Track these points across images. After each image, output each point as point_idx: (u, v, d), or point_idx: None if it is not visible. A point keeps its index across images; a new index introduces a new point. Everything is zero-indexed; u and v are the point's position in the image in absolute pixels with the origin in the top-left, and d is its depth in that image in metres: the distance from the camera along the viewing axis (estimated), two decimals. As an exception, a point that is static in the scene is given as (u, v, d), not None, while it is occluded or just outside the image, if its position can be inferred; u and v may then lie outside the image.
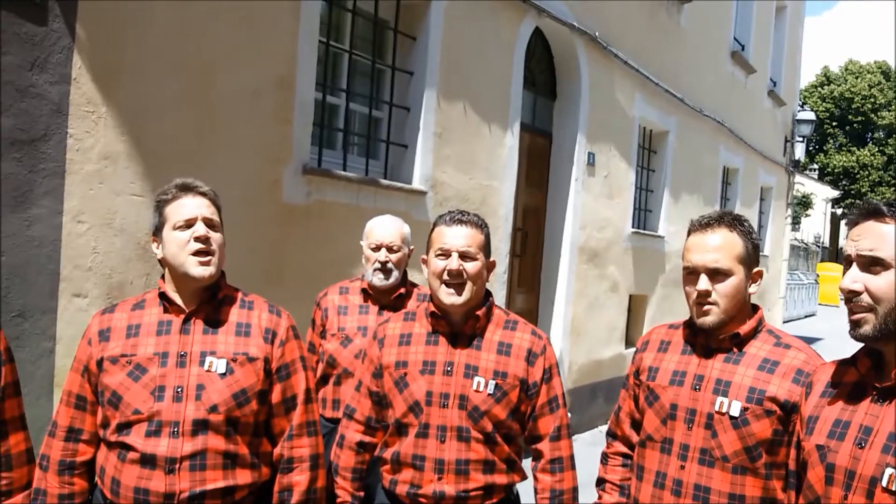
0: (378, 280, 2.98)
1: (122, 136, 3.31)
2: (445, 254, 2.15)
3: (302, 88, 4.14)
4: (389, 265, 2.97)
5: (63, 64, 3.07)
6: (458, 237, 2.16)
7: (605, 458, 2.30)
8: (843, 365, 1.70)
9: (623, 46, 7.52)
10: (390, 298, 3.03)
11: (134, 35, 3.33)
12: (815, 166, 37.26)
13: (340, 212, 4.41)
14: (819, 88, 40.36)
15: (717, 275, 1.95)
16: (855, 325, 1.56)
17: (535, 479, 2.23)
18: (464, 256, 2.15)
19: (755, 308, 2.06)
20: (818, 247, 32.27)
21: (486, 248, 2.21)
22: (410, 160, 5.10)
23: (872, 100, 39.09)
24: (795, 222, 28.07)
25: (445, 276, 2.14)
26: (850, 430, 1.58)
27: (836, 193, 36.76)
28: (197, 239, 2.02)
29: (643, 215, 8.78)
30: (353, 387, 2.35)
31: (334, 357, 3.00)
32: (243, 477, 2.01)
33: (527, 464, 2.22)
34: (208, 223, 2.05)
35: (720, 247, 1.95)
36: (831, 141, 39.89)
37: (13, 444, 2.03)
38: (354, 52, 4.82)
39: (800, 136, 14.29)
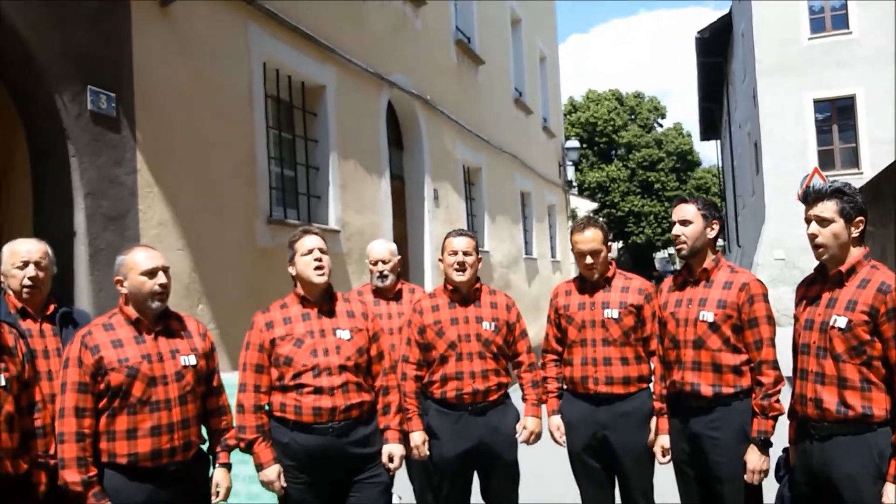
0: (380, 283, 4.49)
1: (168, 206, 4.55)
2: (454, 253, 3.77)
3: (260, 162, 5.54)
4: (386, 272, 4.49)
5: (132, 160, 4.30)
6: (461, 243, 3.79)
7: (543, 365, 3.98)
8: (675, 274, 3.59)
9: (445, 104, 9.53)
10: (392, 293, 4.54)
11: (167, 134, 4.61)
12: (575, 183, 42.63)
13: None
14: (568, 116, 46.20)
15: (595, 253, 3.75)
16: (679, 250, 3.43)
17: (520, 377, 3.87)
18: (465, 253, 3.78)
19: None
20: (586, 253, 37.03)
21: (476, 248, 3.86)
22: (325, 207, 6.59)
23: (612, 122, 45.66)
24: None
25: (455, 266, 3.75)
26: (683, 301, 3.43)
27: (595, 205, 42.32)
28: (317, 259, 3.46)
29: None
30: (404, 341, 3.86)
31: None
32: (366, 396, 3.45)
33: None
34: (322, 251, 3.50)
35: (593, 238, 3.75)
36: (584, 161, 45.78)
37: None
38: (275, 129, 6.25)
39: (570, 161, 17.41)
